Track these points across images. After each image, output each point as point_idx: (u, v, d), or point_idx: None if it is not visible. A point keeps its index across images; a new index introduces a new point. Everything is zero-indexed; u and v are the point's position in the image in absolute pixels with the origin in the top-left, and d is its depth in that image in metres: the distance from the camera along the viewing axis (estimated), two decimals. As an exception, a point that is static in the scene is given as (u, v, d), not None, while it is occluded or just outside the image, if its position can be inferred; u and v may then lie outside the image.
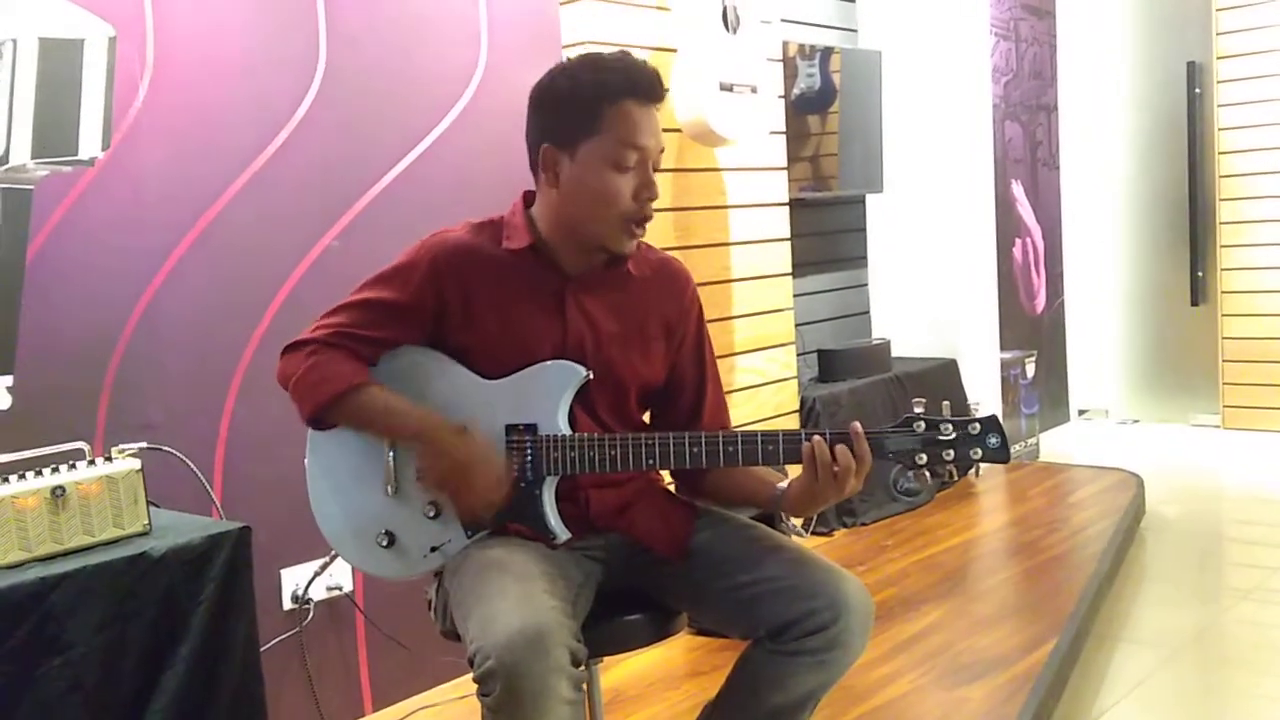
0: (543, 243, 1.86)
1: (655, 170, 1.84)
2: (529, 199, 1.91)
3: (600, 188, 1.79)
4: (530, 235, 1.86)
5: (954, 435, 1.71)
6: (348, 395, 1.79)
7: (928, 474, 1.73)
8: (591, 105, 1.79)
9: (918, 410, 1.74)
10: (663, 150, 1.86)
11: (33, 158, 2.30)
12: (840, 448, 1.71)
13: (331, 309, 1.87)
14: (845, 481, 1.71)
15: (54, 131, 2.32)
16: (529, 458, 1.81)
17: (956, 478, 1.65)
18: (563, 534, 1.81)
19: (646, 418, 2.03)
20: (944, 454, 1.71)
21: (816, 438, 1.72)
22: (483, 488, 1.77)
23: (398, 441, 1.84)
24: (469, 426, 1.80)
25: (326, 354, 1.82)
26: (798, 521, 1.72)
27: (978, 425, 1.71)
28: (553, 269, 1.87)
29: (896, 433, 1.73)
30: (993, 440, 1.71)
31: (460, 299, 1.83)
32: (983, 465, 4.14)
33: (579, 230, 1.84)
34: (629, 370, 1.90)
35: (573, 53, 3.05)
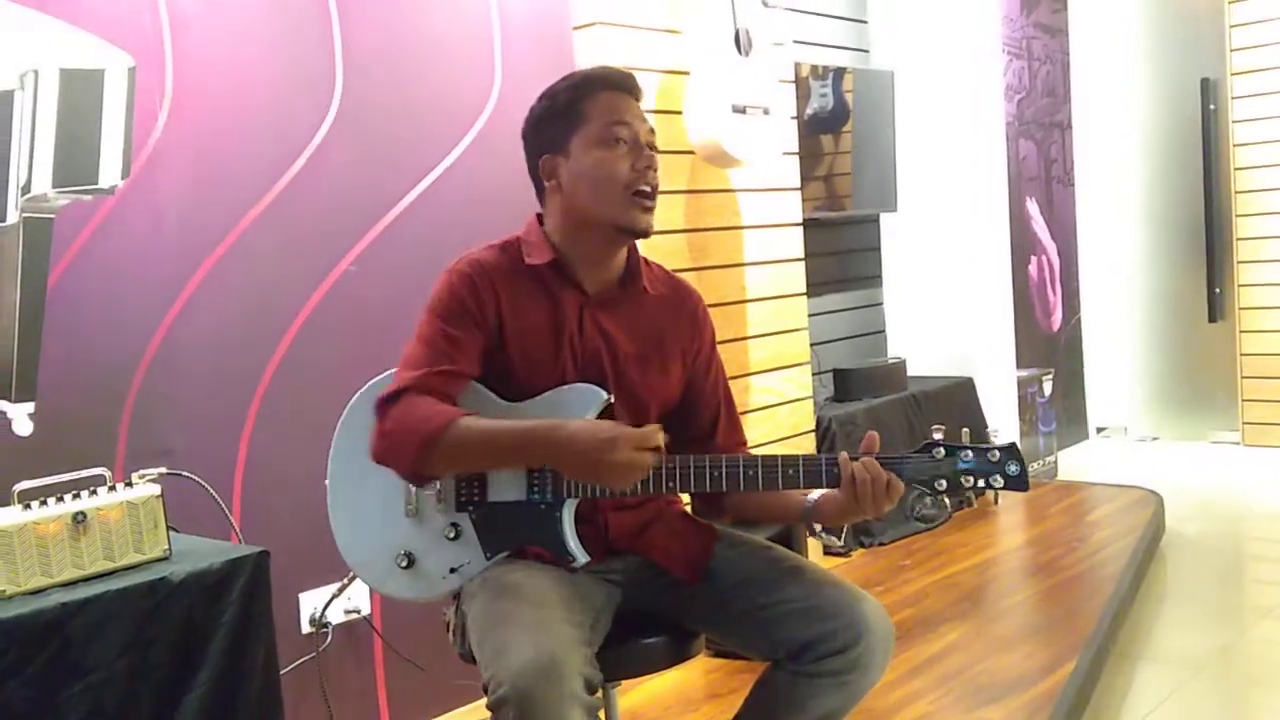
0: (562, 257, 1.89)
1: (651, 150, 1.88)
2: (542, 220, 1.95)
3: (597, 169, 1.85)
4: (550, 250, 1.88)
5: (974, 462, 1.73)
6: (449, 429, 1.71)
7: (946, 500, 1.73)
8: (572, 104, 1.88)
9: (937, 436, 1.74)
10: (654, 132, 1.91)
11: (54, 187, 2.32)
12: (869, 461, 1.72)
13: (403, 364, 1.82)
14: (881, 498, 1.71)
15: (75, 161, 2.35)
16: (549, 480, 1.81)
17: (975, 503, 1.67)
18: (582, 557, 1.81)
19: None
20: (963, 480, 1.72)
21: (856, 463, 1.72)
22: (621, 454, 1.68)
23: (523, 466, 1.80)
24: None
25: (420, 400, 1.75)
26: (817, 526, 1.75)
27: (998, 453, 1.73)
28: (572, 286, 1.89)
29: (916, 458, 1.74)
30: (1012, 468, 1.72)
31: (494, 317, 1.85)
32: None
33: (592, 221, 1.86)
34: (647, 389, 1.92)
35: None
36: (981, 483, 1.72)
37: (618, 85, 1.90)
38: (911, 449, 1.76)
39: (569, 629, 1.64)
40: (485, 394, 1.86)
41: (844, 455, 1.73)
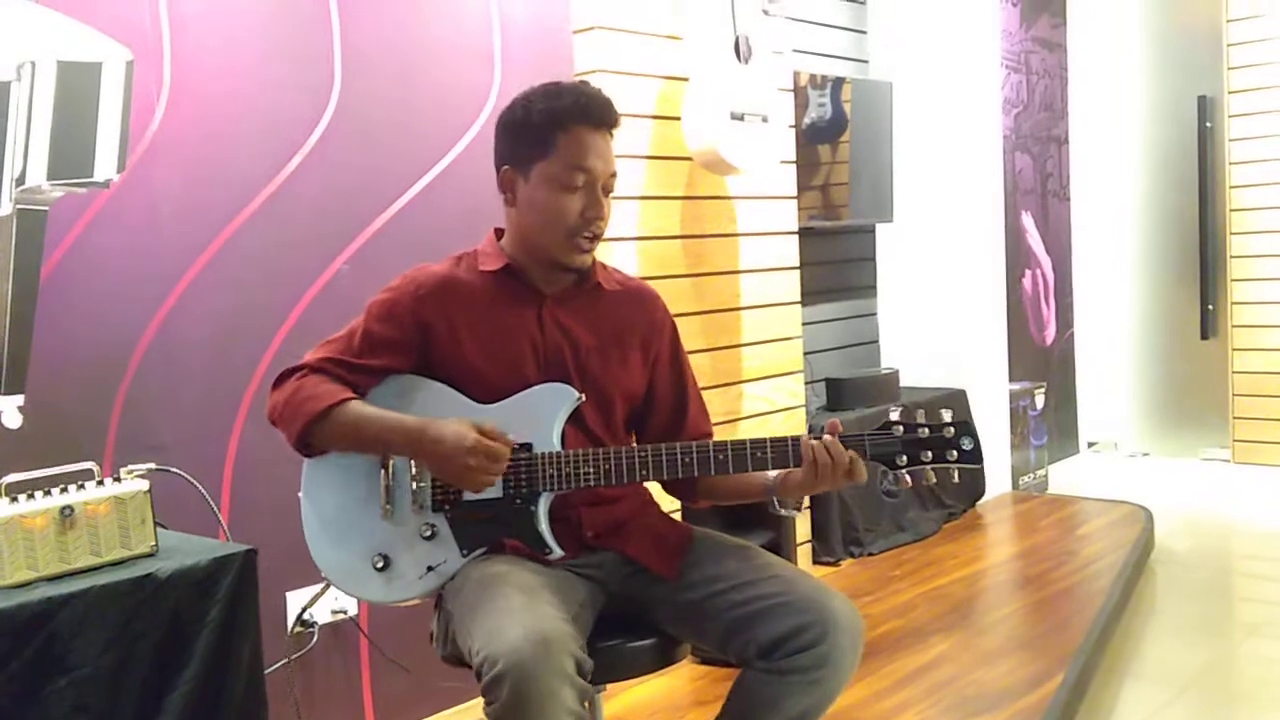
0: (515, 263, 1.94)
1: (607, 193, 1.93)
2: (499, 233, 2.01)
3: (546, 206, 1.89)
4: (504, 257, 1.95)
5: (930, 437, 1.82)
6: (331, 412, 1.83)
7: (908, 476, 1.83)
8: (544, 130, 1.89)
9: (894, 416, 1.85)
10: (614, 175, 1.94)
11: (49, 179, 2.32)
12: (830, 440, 1.81)
13: (320, 343, 1.94)
14: (840, 475, 1.80)
15: (70, 153, 2.34)
16: (524, 475, 1.85)
17: (934, 479, 1.80)
18: (557, 549, 1.85)
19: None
20: (922, 455, 1.82)
21: (816, 442, 1.80)
22: (470, 459, 1.77)
23: (391, 454, 1.87)
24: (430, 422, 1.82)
25: (312, 378, 1.88)
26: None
27: (952, 429, 1.84)
28: (528, 288, 1.95)
29: (877, 435, 1.83)
30: (966, 443, 1.83)
31: (444, 326, 1.90)
32: (978, 483, 4.10)
33: (533, 245, 1.93)
34: (610, 380, 1.97)
35: (585, 81, 3.07)
36: (938, 456, 1.82)
37: (596, 121, 1.90)
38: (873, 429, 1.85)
39: (556, 612, 1.67)
40: (457, 398, 1.90)
41: (805, 437, 1.83)
